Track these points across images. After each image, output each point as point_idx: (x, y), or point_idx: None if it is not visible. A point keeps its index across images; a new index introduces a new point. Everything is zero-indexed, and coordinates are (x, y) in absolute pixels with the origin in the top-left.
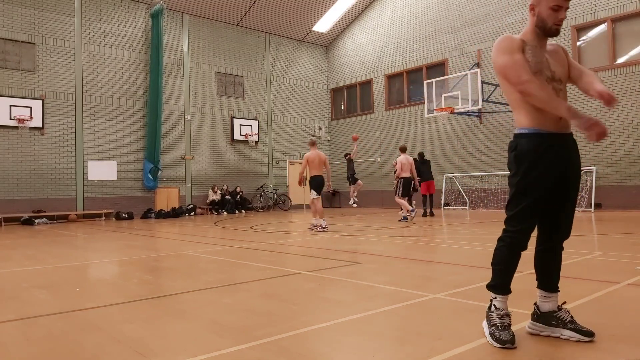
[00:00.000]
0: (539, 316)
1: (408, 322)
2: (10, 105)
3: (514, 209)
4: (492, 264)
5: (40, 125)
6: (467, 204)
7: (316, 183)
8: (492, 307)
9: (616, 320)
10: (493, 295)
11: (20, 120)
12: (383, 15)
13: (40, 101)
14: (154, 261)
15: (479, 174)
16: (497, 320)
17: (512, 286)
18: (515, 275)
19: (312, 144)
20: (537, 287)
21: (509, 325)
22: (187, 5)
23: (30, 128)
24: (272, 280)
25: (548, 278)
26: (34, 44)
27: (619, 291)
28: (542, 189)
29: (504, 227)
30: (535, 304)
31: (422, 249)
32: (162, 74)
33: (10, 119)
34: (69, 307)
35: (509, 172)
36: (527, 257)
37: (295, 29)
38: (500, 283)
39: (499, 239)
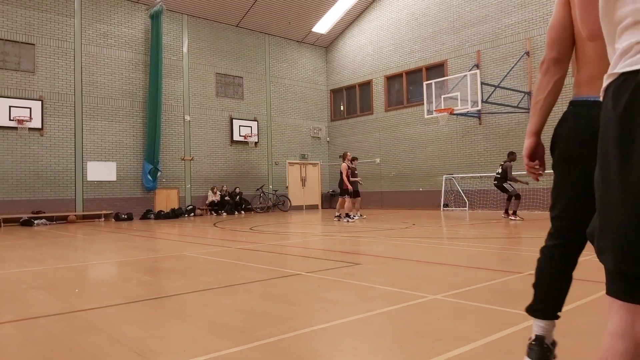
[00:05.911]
0: None
1: (408, 323)
2: (10, 106)
3: None
4: None
5: (40, 126)
6: (467, 205)
7: None
8: None
9: None
10: None
11: (20, 121)
12: (382, 17)
13: (40, 102)
14: (153, 262)
15: (479, 175)
16: None
17: (514, 287)
18: (516, 276)
19: None
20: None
21: None
22: (186, 6)
23: (30, 129)
24: (272, 281)
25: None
26: (34, 44)
27: None
28: None
29: None
30: None
31: (422, 250)
32: (162, 74)
33: (10, 119)
34: (69, 308)
35: None
36: (532, 258)
37: (294, 30)
38: None
39: None
